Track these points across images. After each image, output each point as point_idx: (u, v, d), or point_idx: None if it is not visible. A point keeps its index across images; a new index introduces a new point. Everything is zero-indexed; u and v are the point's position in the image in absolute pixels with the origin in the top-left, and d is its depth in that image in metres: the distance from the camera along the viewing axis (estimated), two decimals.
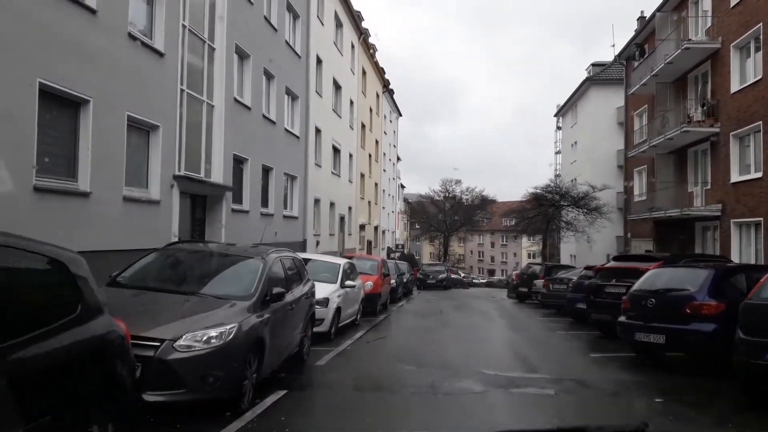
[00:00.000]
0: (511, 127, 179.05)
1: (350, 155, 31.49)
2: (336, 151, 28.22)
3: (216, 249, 7.18)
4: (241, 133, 15.59)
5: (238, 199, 15.71)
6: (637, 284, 8.59)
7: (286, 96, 19.96)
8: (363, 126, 35.42)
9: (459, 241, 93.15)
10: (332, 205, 27.19)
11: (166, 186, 11.33)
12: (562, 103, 49.48)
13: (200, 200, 13.66)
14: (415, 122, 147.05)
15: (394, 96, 50.22)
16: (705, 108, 19.34)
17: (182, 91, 12.25)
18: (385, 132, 45.11)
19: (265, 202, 18.02)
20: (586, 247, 40.62)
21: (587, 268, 15.88)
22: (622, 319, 8.47)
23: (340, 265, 11.98)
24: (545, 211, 31.13)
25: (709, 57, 19.33)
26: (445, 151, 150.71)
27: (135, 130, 10.60)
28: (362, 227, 35.55)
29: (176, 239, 10.76)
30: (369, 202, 38.38)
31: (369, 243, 38.21)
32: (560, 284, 17.30)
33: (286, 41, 19.74)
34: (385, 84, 44.01)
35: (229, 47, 14.72)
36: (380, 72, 41.88)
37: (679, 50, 19.38)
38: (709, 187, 19.66)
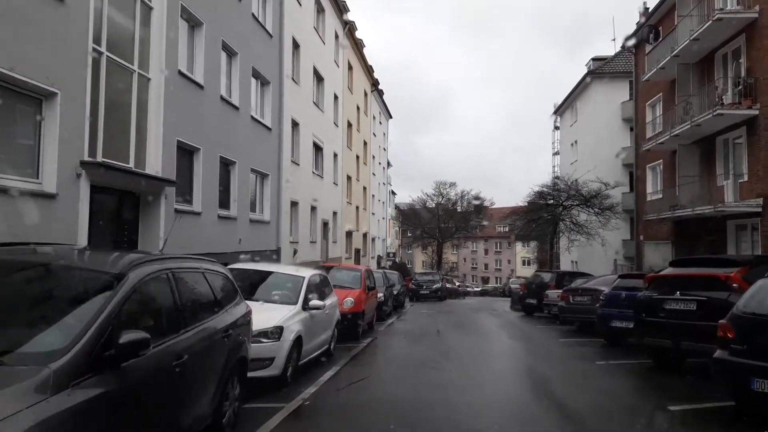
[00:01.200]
0: (500, 134, 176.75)
1: (335, 155, 28.65)
2: (318, 148, 25.38)
3: (45, 259, 3.90)
4: (189, 116, 12.68)
5: (184, 197, 12.78)
6: (742, 303, 5.73)
7: (253, 79, 17.12)
8: (349, 125, 32.63)
9: (452, 248, 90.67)
10: (313, 209, 24.30)
11: (67, 175, 8.41)
12: (560, 102, 46.95)
13: (130, 197, 10.74)
14: (403, 131, 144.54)
15: (384, 97, 47.57)
16: (740, 88, 16.67)
17: (99, 53, 9.37)
18: (374, 134, 42.35)
19: (224, 203, 15.04)
20: (589, 252, 37.97)
21: (626, 276, 13.09)
22: (723, 355, 5.55)
23: (303, 279, 9.00)
24: (552, 211, 28.30)
25: (744, 30, 16.69)
26: (434, 160, 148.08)
27: (16, 95, 7.70)
28: (349, 234, 32.68)
29: (82, 246, 7.84)
30: (357, 208, 35.52)
31: (357, 252, 35.30)
32: (583, 296, 14.47)
33: (254, 15, 16.93)
34: (374, 83, 41.31)
35: (173, 9, 11.86)
36: (369, 69, 39.19)
37: (710, 22, 16.74)
38: (744, 179, 16.97)
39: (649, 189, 26.03)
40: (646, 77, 22.91)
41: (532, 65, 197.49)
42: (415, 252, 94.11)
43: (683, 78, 20.03)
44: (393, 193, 58.08)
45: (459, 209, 43.06)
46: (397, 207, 51.33)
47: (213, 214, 14.09)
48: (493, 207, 48.45)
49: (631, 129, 36.94)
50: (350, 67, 32.53)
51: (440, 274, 35.34)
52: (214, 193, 14.20)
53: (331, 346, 9.99)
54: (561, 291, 16.71)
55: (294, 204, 21.25)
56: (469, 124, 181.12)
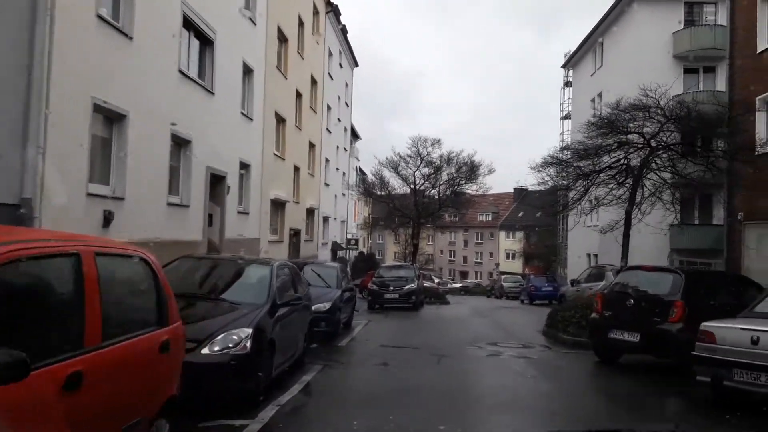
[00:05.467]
0: (473, 123, 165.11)
1: (247, 68, 17.44)
2: (205, 42, 14.27)
3: None
4: None
5: None
6: None
7: None
8: (283, 38, 21.35)
9: (427, 238, 79.72)
10: (181, 141, 13.19)
11: None
12: (573, 49, 36.45)
13: None
14: (372, 120, 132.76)
15: (348, 37, 36.26)
16: None
17: None
18: (330, 75, 31.07)
19: None
20: (611, 240, 27.46)
21: None
22: None
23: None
24: (630, 148, 15.84)
25: None
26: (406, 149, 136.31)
27: None
28: (279, 205, 21.48)
29: None
30: (296, 169, 24.32)
31: (294, 233, 24.11)
32: None
33: None
34: (331, 3, 30.01)
35: None
36: None
37: None
38: None
39: (762, 134, 15.50)
40: None
41: (507, 50, 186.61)
42: (388, 241, 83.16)
43: None
44: (361, 171, 46.72)
45: (446, 176, 31.20)
46: (360, 173, 38.96)
47: None
48: (471, 196, 37.24)
49: (688, 70, 26.66)
50: None
51: (415, 269, 24.10)
52: None
53: None
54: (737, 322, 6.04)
55: (102, 110, 10.10)
56: (441, 110, 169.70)
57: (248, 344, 5.76)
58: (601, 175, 14.84)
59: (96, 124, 9.86)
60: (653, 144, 14.61)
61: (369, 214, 56.90)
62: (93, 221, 9.60)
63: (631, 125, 14.74)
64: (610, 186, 14.92)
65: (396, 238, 72.19)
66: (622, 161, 14.66)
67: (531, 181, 58.68)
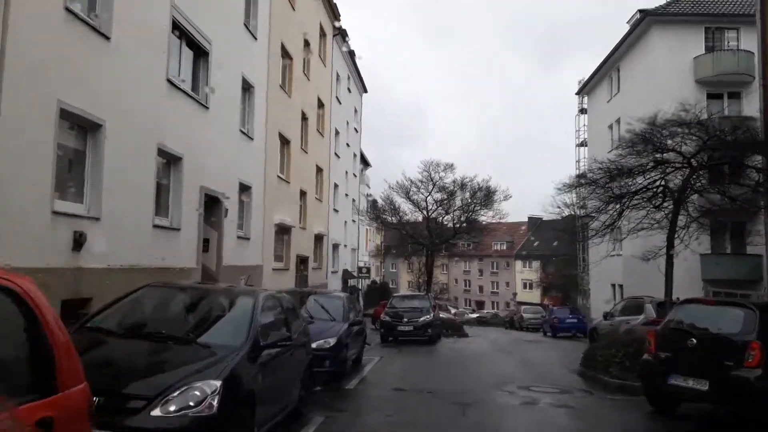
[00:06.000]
0: (480, 152, 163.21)
1: (247, 84, 16.32)
2: (199, 52, 13.16)
3: None
4: None
5: None
6: None
7: None
8: (287, 54, 20.31)
9: (442, 267, 77.67)
10: (170, 159, 11.95)
11: None
12: (588, 76, 35.30)
13: None
14: (380, 147, 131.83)
15: (357, 61, 35.39)
16: None
17: None
18: (338, 99, 30.04)
19: None
20: (638, 269, 25.65)
21: None
22: None
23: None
24: (668, 167, 14.02)
25: None
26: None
27: None
28: (283, 230, 20.12)
29: None
30: (303, 194, 23.04)
31: (301, 261, 22.68)
32: None
33: None
34: (338, 27, 29.14)
35: None
36: (330, 4, 27.08)
37: None
38: None
39: None
40: None
41: (508, 80, 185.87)
42: (402, 269, 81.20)
43: None
44: (370, 198, 45.29)
45: (460, 201, 29.45)
46: (369, 199, 37.15)
47: None
48: (486, 223, 35.43)
49: (711, 95, 25.19)
50: None
51: (430, 299, 22.46)
52: None
53: None
54: None
55: (71, 117, 8.86)
56: (447, 140, 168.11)
57: (215, 402, 4.29)
58: (635, 197, 13.19)
59: (64, 132, 8.60)
60: (694, 163, 13.01)
61: (381, 242, 55.31)
62: (60, 243, 8.27)
63: (669, 142, 13.17)
64: (646, 209, 13.30)
65: (409, 266, 70.50)
66: (658, 182, 13.07)
67: (547, 210, 56.82)
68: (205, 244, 13.81)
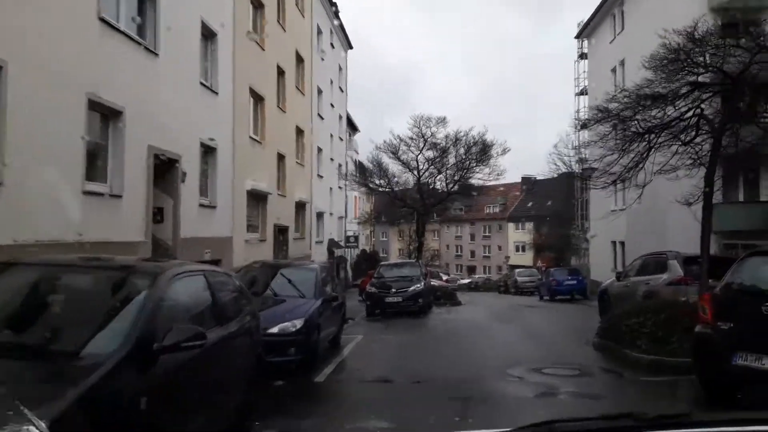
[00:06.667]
0: (473, 115, 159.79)
1: (207, 30, 14.25)
2: None
3: None
4: None
5: None
6: None
7: None
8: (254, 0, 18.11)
9: (433, 234, 76.10)
10: (112, 115, 10.03)
11: None
12: (587, 17, 33.12)
13: None
14: (372, 115, 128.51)
15: (340, 15, 32.89)
16: None
17: None
18: (322, 52, 27.79)
19: None
20: (644, 224, 24.04)
21: None
22: None
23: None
24: (709, 96, 10.87)
25: None
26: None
27: None
28: (258, 197, 18.25)
29: None
30: (281, 158, 21.09)
31: (281, 231, 20.87)
32: None
33: None
34: None
35: None
36: None
37: None
38: None
39: None
40: None
41: (501, 38, 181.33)
42: (393, 238, 79.62)
43: None
44: (359, 165, 43.05)
45: (453, 159, 27.25)
46: (356, 161, 34.49)
47: None
48: (482, 183, 33.25)
49: (726, 26, 23.13)
50: None
51: (421, 266, 20.74)
52: None
53: None
54: None
55: None
56: (440, 104, 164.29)
57: None
58: (663, 133, 11.07)
59: None
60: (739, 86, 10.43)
61: (371, 210, 53.43)
62: None
63: (711, 60, 10.72)
64: (673, 147, 11.28)
65: (400, 234, 68.94)
66: (692, 112, 10.85)
67: (542, 170, 54.16)
68: (158, 213, 11.98)
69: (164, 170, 12.07)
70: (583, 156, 12.59)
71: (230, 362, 4.64)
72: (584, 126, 11.99)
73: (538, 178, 73.19)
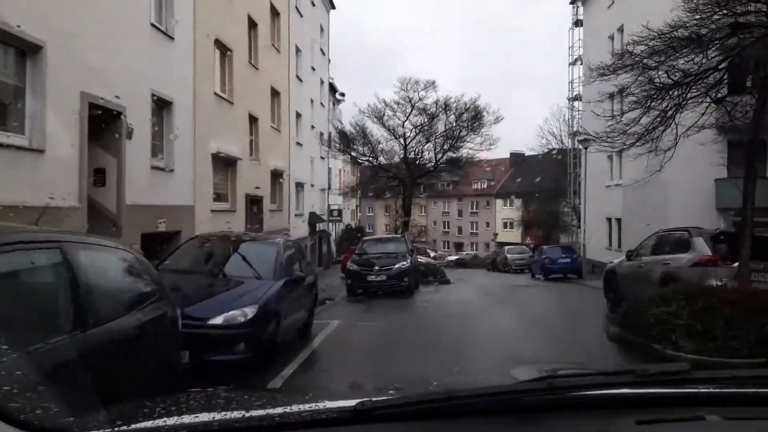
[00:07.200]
0: (459, 89, 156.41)
1: None
2: None
3: None
4: None
5: None
6: None
7: None
8: None
9: (420, 209, 74.52)
10: (30, 51, 8.03)
11: None
12: None
13: None
14: (358, 91, 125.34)
15: None
16: None
17: None
18: (297, 8, 25.61)
19: None
20: (644, 198, 22.40)
21: None
22: None
23: None
24: (749, 41, 8.46)
25: None
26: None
27: None
28: (226, 162, 16.35)
29: None
30: (254, 120, 19.13)
31: (255, 202, 19.02)
32: None
33: None
34: None
35: None
36: None
37: None
38: None
39: None
40: None
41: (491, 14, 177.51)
42: (379, 213, 77.90)
43: None
44: (343, 135, 40.84)
45: (443, 126, 25.33)
46: (340, 131, 32.68)
47: None
48: (473, 154, 31.26)
49: None
50: None
51: (407, 242, 19.01)
52: None
53: None
54: None
55: None
56: (429, 76, 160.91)
57: None
58: (693, 88, 9.22)
59: None
60: None
61: (357, 182, 51.49)
62: None
63: None
64: (703, 104, 9.51)
65: (386, 209, 67.13)
66: (728, 60, 9.00)
67: (531, 144, 52.16)
68: (99, 174, 10.11)
69: (105, 124, 10.15)
70: (597, 114, 10.71)
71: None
72: (602, 74, 10.05)
73: (527, 154, 71.77)
